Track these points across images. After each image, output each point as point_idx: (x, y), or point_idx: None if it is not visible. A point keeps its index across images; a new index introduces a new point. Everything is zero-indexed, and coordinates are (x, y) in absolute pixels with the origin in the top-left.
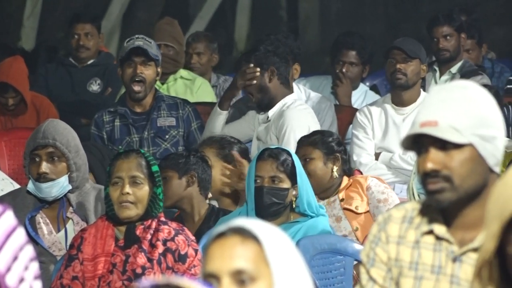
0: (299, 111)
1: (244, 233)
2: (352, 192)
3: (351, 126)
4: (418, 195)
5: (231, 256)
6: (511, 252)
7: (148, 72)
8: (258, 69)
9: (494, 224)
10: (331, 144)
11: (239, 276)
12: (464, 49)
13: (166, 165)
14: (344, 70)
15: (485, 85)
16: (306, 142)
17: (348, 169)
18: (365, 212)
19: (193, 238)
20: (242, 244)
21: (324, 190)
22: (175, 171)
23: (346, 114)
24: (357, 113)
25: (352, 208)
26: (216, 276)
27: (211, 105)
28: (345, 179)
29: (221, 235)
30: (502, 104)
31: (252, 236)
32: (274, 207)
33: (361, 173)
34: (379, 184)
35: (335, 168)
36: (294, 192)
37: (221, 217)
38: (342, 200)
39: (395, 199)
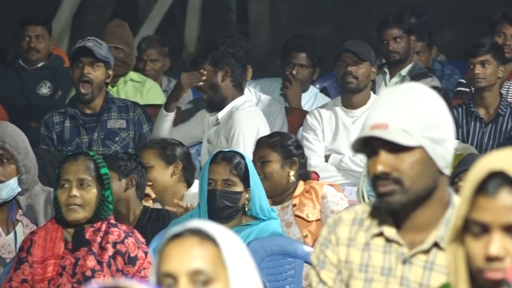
0: (248, 112)
1: (201, 234)
2: (305, 199)
3: (301, 128)
4: (368, 197)
5: (189, 257)
6: (473, 216)
7: (96, 73)
8: (205, 73)
9: (467, 188)
10: (289, 148)
11: (196, 276)
12: (414, 51)
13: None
14: (294, 72)
15: (435, 87)
16: (265, 144)
17: (305, 173)
18: (316, 220)
19: (143, 240)
20: (201, 245)
21: (278, 194)
22: (115, 172)
23: (296, 117)
24: (307, 116)
25: (303, 215)
26: (173, 276)
27: (161, 107)
28: (301, 184)
29: (178, 236)
30: (451, 106)
31: (210, 238)
32: (227, 210)
33: (317, 175)
34: (335, 194)
35: (291, 172)
36: (247, 196)
37: (154, 217)
38: (294, 205)
39: None
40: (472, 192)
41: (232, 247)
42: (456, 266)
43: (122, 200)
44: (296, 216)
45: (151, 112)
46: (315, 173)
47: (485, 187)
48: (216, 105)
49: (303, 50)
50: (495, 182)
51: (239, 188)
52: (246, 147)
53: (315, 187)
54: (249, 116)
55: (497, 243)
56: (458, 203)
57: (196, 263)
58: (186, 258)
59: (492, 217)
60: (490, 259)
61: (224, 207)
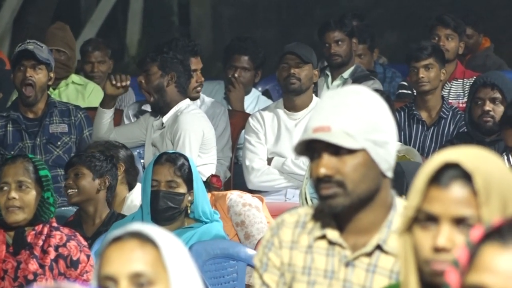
0: (193, 115)
1: (142, 237)
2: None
3: (243, 131)
4: (311, 200)
5: (130, 259)
6: (423, 207)
7: (38, 76)
8: (129, 82)
9: (420, 179)
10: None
11: (137, 279)
12: (356, 54)
13: (82, 162)
14: (236, 75)
15: (376, 90)
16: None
17: (205, 186)
18: (234, 236)
19: (85, 243)
20: (141, 247)
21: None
22: (90, 171)
23: (238, 119)
24: (250, 118)
25: None
26: (114, 279)
27: None
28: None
29: (118, 238)
30: (394, 109)
31: (150, 241)
32: (170, 211)
33: (216, 177)
34: (237, 203)
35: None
36: (189, 198)
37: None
38: None
39: (253, 217)
40: (426, 182)
41: (172, 250)
42: (405, 256)
43: (92, 201)
44: None
45: (93, 115)
46: (214, 175)
47: (438, 178)
48: (160, 108)
49: (245, 52)
50: (449, 174)
51: (183, 189)
52: (191, 150)
53: (220, 201)
54: (194, 119)
55: (445, 235)
56: (400, 205)
57: (137, 265)
58: (127, 260)
59: (443, 209)
60: (437, 250)
61: (167, 208)
